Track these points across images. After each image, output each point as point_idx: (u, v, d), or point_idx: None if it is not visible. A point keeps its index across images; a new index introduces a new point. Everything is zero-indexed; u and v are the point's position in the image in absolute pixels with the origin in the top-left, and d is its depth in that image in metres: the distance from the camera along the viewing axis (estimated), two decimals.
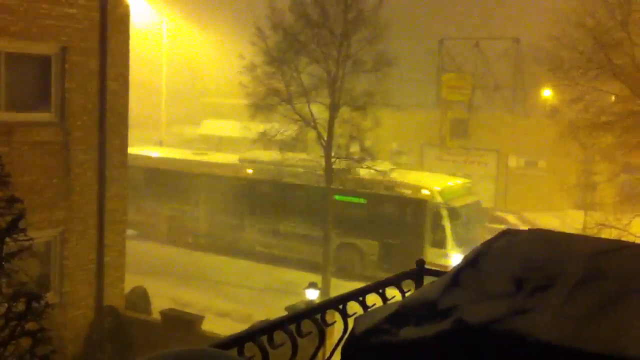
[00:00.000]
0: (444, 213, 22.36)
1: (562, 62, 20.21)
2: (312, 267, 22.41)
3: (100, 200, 13.80)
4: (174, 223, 27.26)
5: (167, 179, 27.38)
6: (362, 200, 23.74)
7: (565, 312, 1.99)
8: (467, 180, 25.91)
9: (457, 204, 22.96)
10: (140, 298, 15.57)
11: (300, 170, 23.80)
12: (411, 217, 23.16)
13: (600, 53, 19.71)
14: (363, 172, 23.12)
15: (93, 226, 13.77)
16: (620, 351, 1.80)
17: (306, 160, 22.53)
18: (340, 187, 22.63)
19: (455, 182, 24.99)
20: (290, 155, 22.36)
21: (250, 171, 25.63)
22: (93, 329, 13.84)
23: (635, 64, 18.96)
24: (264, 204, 25.23)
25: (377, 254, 23.32)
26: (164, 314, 14.16)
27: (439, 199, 22.77)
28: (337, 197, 22.88)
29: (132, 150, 29.94)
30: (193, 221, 27.04)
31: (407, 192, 23.24)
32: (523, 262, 2.27)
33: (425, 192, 23.00)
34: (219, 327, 16.18)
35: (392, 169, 24.55)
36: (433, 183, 23.80)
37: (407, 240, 22.49)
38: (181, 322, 13.74)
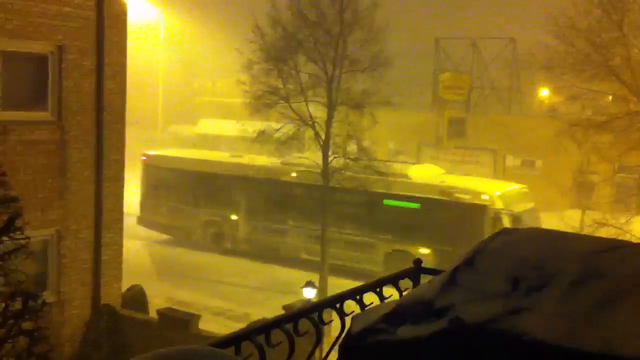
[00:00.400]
0: (505, 219, 21.19)
1: (558, 63, 20.25)
2: (365, 276, 20.26)
3: (97, 199, 13.78)
4: (212, 228, 26.27)
5: (203, 182, 26.11)
6: (414, 206, 22.66)
7: (561, 312, 1.99)
8: (523, 186, 24.40)
9: (516, 209, 21.92)
10: (137, 297, 15.56)
11: (348, 173, 22.74)
12: (469, 223, 21.67)
13: (596, 53, 19.75)
14: (415, 176, 22.51)
15: (90, 225, 13.76)
16: (616, 351, 1.81)
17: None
18: (390, 192, 22.03)
19: (512, 188, 23.86)
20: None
21: (294, 174, 24.57)
22: (89, 327, 13.82)
23: (631, 64, 19.01)
24: (309, 209, 23.88)
25: (431, 262, 21.80)
26: (161, 313, 14.15)
27: (499, 205, 21.76)
28: (386, 201, 22.32)
29: (166, 152, 29.40)
30: (232, 226, 26.03)
31: (465, 197, 22.14)
32: (519, 262, 2.27)
33: (485, 197, 22.00)
34: (216, 326, 16.20)
35: (442, 174, 23.67)
36: (492, 188, 22.93)
37: (464, 247, 21.05)
38: (178, 321, 13.73)
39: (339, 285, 15.50)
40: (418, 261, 3.54)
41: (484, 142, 35.12)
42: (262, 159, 25.75)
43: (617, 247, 2.38)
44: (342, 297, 3.06)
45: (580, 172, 30.64)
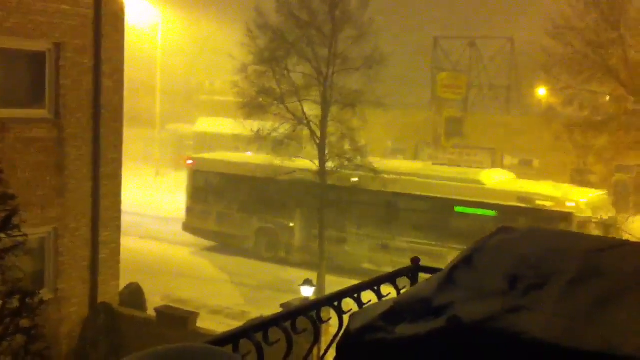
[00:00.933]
0: (592, 227, 19.88)
1: (556, 63, 20.29)
2: None
3: (95, 197, 13.77)
4: (265, 236, 24.86)
5: (255, 187, 24.30)
6: (490, 213, 21.27)
7: (560, 311, 1.99)
8: (603, 192, 22.96)
9: (601, 216, 20.66)
10: (135, 295, 15.55)
11: (415, 179, 22.13)
12: None
13: (594, 53, 19.79)
14: (488, 182, 21.53)
15: (87, 223, 13.75)
16: (616, 350, 1.80)
17: (418, 168, 21.06)
18: (462, 198, 21.18)
19: (594, 194, 22.29)
20: (397, 162, 21.16)
21: (355, 179, 23.13)
22: (87, 325, 13.81)
23: (628, 64, 19.05)
24: (372, 216, 22.86)
25: None
26: (159, 311, 14.15)
27: (587, 212, 20.45)
28: (458, 209, 21.35)
29: (214, 155, 28.04)
30: (288, 234, 24.81)
31: (549, 204, 20.71)
32: (518, 260, 2.27)
33: (570, 204, 20.69)
34: (214, 324, 16.20)
35: (514, 179, 22.62)
36: (576, 195, 21.47)
37: None
38: (175, 319, 13.73)
39: (336, 283, 15.49)
40: (416, 259, 3.53)
41: (482, 142, 35.15)
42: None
43: (616, 246, 2.38)
44: (340, 295, 3.06)
45: (578, 172, 30.70)
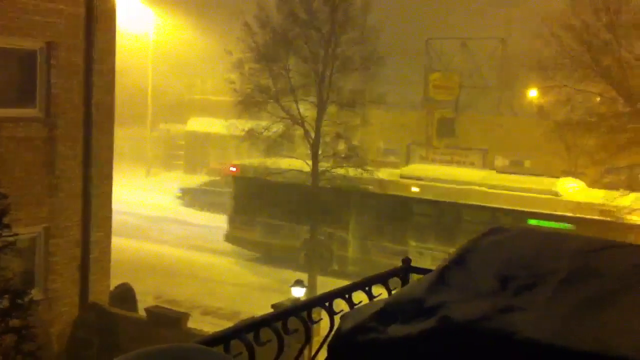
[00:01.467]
0: None
1: (549, 63, 20.33)
2: None
3: (86, 196, 13.71)
4: (315, 246, 22.71)
5: (304, 196, 22.22)
6: (567, 227, 19.72)
7: (552, 310, 1.99)
8: None
9: None
10: (126, 295, 15.50)
11: (480, 188, 21.04)
12: None
13: (587, 54, 19.84)
14: (565, 192, 20.46)
15: (78, 223, 13.69)
16: (608, 350, 1.81)
17: (482, 177, 19.86)
18: (535, 210, 19.93)
19: None
20: (458, 171, 19.94)
21: (415, 189, 22.12)
22: (78, 325, 13.76)
23: (621, 66, 19.11)
24: (434, 228, 21.77)
25: None
26: (149, 311, 14.11)
27: None
28: (531, 221, 19.78)
29: (259, 160, 24.87)
30: (339, 246, 23.71)
31: (636, 218, 19.05)
32: (510, 260, 2.27)
33: None
34: (205, 325, 16.17)
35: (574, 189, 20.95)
36: None
37: None
38: (167, 320, 13.69)
39: (328, 284, 15.50)
40: (407, 260, 3.53)
41: (474, 142, 35.21)
42: (379, 172, 22.47)
43: (608, 247, 2.38)
44: (331, 296, 3.05)
45: (569, 173, 30.79)
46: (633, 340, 1.82)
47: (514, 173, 24.05)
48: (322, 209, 21.93)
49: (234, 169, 26.23)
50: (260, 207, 24.91)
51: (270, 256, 24.85)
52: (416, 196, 22.13)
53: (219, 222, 28.29)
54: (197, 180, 38.52)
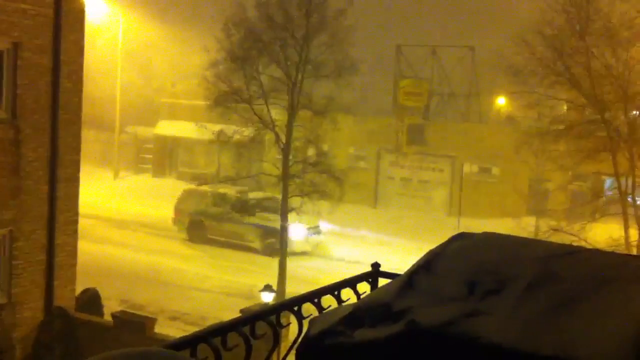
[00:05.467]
0: None
1: (520, 69, 20.51)
2: None
3: (52, 199, 13.52)
4: None
5: None
6: None
7: (517, 315, 2.01)
8: None
9: None
10: (91, 300, 15.31)
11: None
12: None
13: (558, 61, 20.06)
14: None
15: (43, 226, 13.48)
16: (570, 354, 1.83)
17: None
18: None
19: None
20: None
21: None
22: (42, 330, 13.55)
23: (591, 73, 19.34)
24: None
25: None
26: (115, 316, 13.95)
27: None
28: None
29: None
30: None
31: None
32: (476, 266, 2.29)
33: None
34: (172, 330, 16.03)
35: None
36: None
37: None
38: (133, 324, 13.54)
39: (297, 290, 15.48)
40: (376, 265, 3.55)
41: (444, 149, 35.48)
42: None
43: (572, 252, 2.42)
44: (300, 300, 3.05)
45: (536, 180, 31.19)
46: (592, 345, 1.85)
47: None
48: None
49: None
50: None
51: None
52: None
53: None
54: (165, 182, 38.32)
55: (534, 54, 20.18)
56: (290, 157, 21.06)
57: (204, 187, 27.07)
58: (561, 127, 20.78)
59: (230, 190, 24.62)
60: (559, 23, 19.98)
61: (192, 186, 29.29)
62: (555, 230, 18.78)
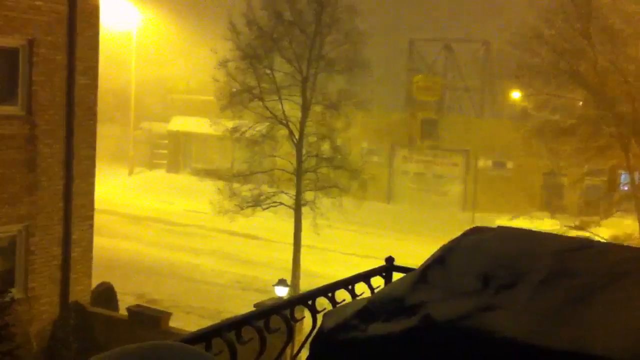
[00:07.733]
0: None
1: (526, 71, 20.45)
2: None
3: (67, 195, 13.61)
4: None
5: None
6: None
7: (531, 310, 2.01)
8: None
9: None
10: (107, 294, 15.41)
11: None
12: None
13: (562, 61, 19.97)
14: None
15: (59, 221, 13.58)
16: (585, 349, 1.83)
17: None
18: None
19: None
20: None
21: None
22: (58, 325, 13.65)
23: (597, 71, 19.22)
24: None
25: None
26: (131, 310, 14.03)
27: None
28: None
29: None
30: None
31: None
32: (490, 260, 2.29)
33: None
34: (187, 324, 16.11)
35: None
36: None
37: None
38: (148, 319, 13.62)
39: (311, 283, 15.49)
40: (390, 259, 3.54)
41: (457, 144, 35.36)
42: None
43: (587, 247, 2.41)
44: (314, 294, 3.05)
45: (550, 175, 31.03)
46: (607, 339, 1.84)
47: None
48: None
49: None
50: None
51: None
52: None
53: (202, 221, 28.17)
54: (180, 178, 38.44)
55: (539, 56, 20.12)
56: (304, 152, 21.08)
57: None
58: (572, 122, 20.69)
59: None
60: (560, 23, 19.88)
61: None
62: (571, 227, 18.72)
